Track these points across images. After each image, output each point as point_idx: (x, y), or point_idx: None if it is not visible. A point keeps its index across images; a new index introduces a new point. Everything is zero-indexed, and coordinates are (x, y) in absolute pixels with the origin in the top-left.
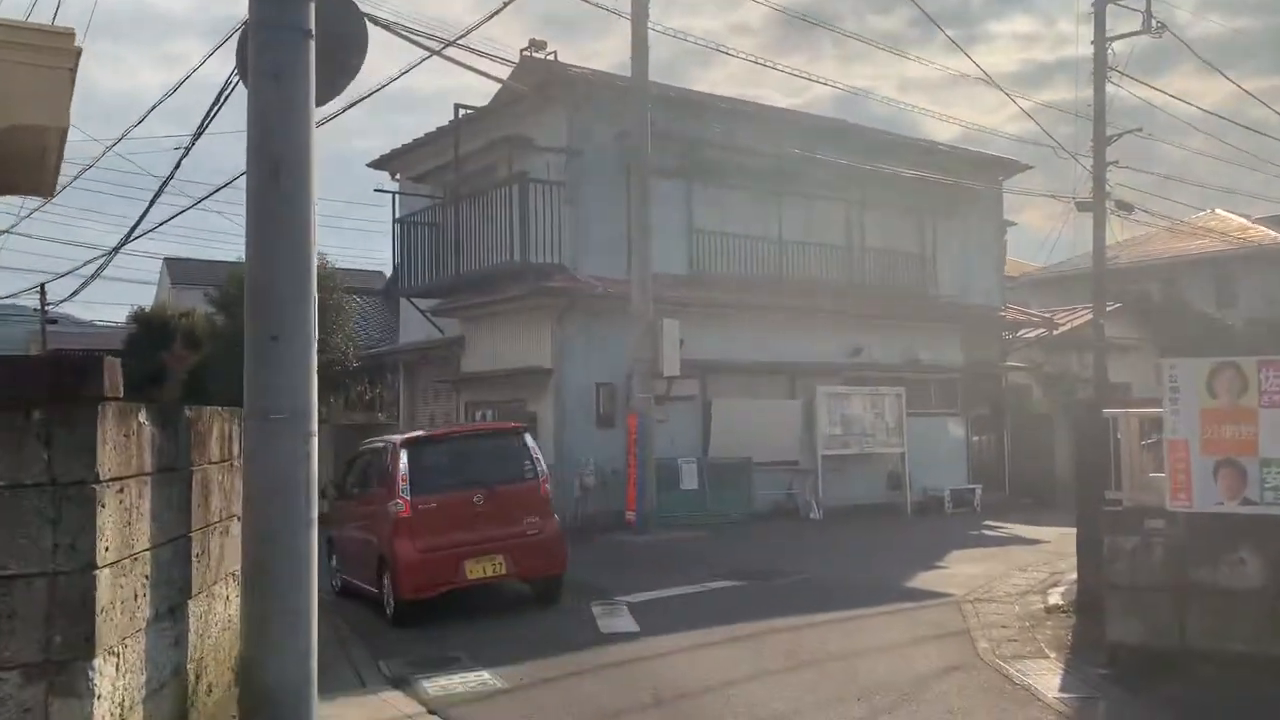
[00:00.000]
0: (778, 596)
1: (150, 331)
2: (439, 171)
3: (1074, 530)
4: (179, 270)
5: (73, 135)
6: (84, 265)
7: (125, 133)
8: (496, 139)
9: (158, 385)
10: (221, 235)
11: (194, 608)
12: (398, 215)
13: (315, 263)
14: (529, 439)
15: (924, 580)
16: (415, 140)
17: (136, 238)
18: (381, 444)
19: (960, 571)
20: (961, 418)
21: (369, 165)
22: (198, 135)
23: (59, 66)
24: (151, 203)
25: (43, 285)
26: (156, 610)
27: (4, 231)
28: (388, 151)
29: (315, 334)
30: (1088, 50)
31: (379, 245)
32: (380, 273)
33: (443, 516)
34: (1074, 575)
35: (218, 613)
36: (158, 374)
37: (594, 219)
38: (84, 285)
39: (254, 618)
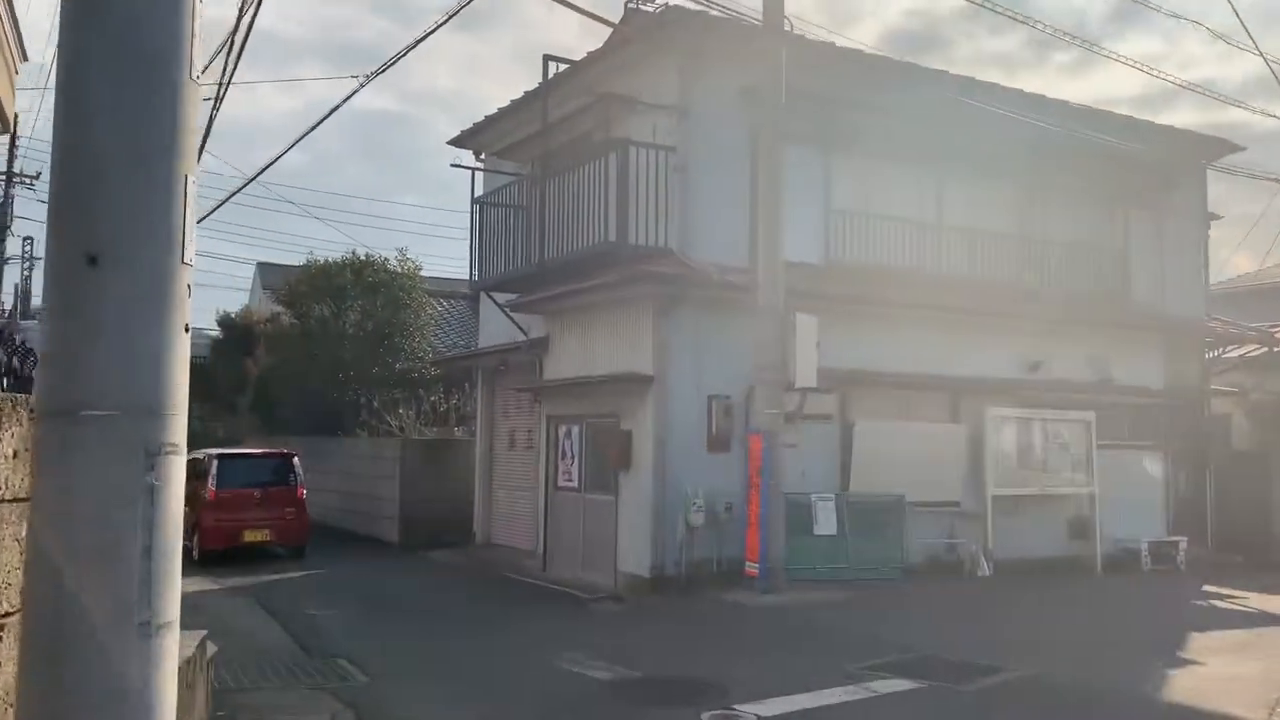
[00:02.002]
0: (988, 715)
1: (235, 336)
2: (524, 145)
3: None
4: (271, 276)
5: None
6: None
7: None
8: (591, 99)
9: (242, 391)
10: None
11: None
12: (477, 195)
13: (192, 114)
14: (296, 460)
15: (1182, 686)
16: (500, 110)
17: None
18: (204, 455)
19: (1223, 670)
20: (1159, 452)
21: (449, 143)
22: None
23: None
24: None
25: None
26: None
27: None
28: (469, 126)
29: (187, 271)
30: None
31: None
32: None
33: (234, 502)
34: None
35: None
36: (242, 380)
37: (708, 192)
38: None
39: None
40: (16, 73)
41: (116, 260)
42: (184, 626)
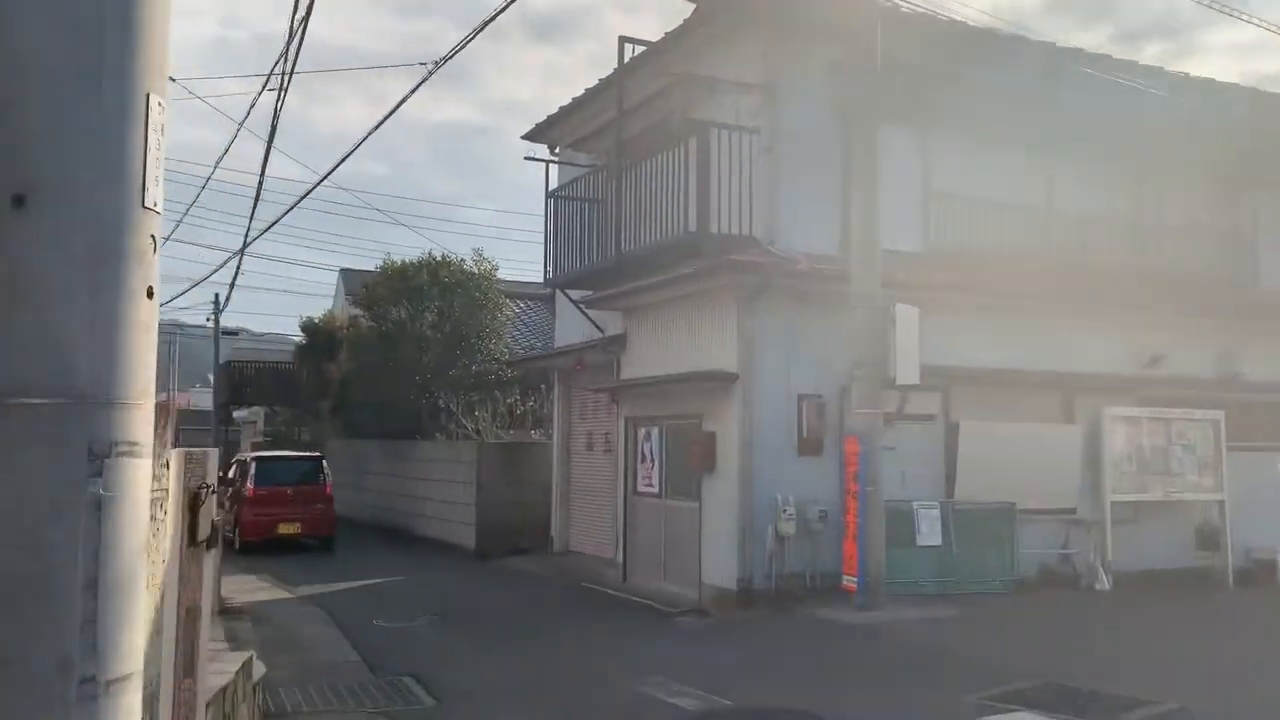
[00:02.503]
0: None
1: (318, 341)
2: (599, 135)
3: None
4: (353, 281)
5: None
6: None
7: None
8: (669, 82)
9: (325, 395)
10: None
11: None
12: (551, 189)
13: (159, 17)
14: (324, 462)
15: None
16: (574, 100)
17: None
18: (244, 457)
19: None
20: None
21: (524, 137)
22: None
23: None
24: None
25: (217, 296)
26: None
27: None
28: (543, 119)
29: (150, 219)
30: None
31: None
32: None
33: (269, 499)
34: None
35: None
36: (325, 384)
37: (796, 176)
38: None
39: None
40: None
41: (51, 201)
42: (249, 639)
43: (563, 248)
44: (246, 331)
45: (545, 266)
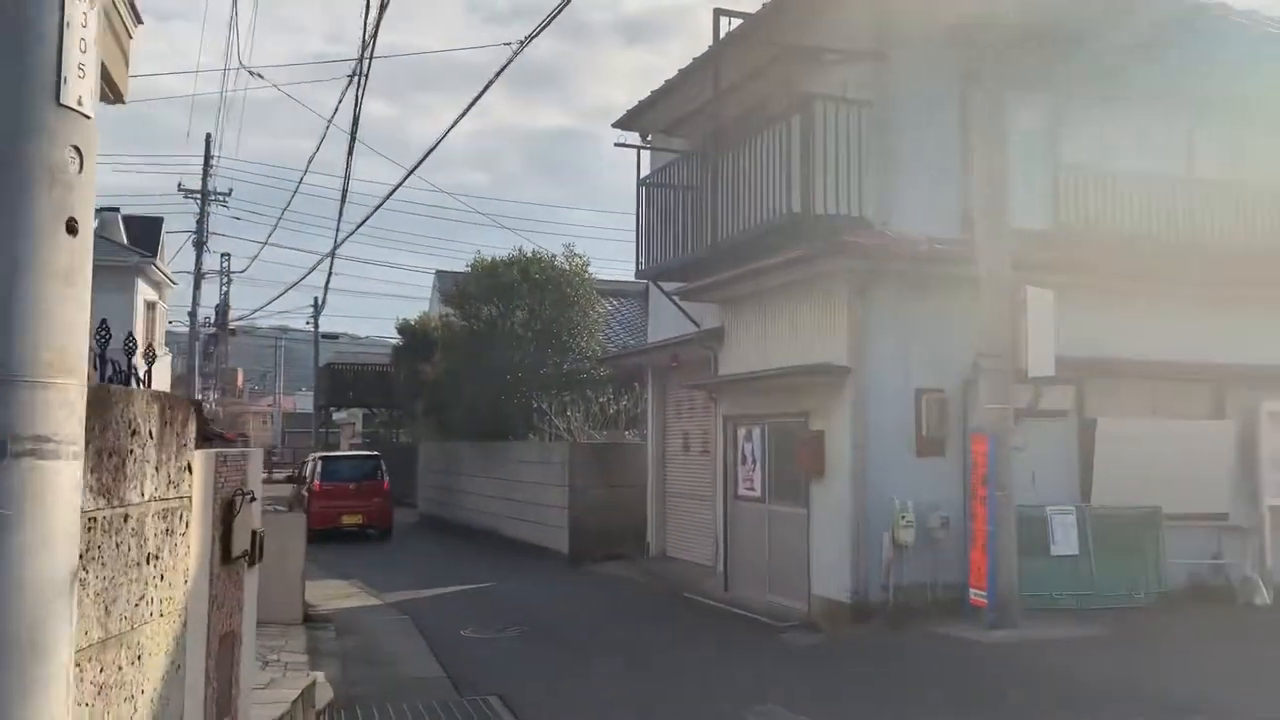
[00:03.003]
0: None
1: (413, 343)
2: (694, 118)
3: None
4: (448, 282)
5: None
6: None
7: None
8: (770, 56)
9: (420, 396)
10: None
11: None
12: (643, 177)
13: None
14: (381, 461)
15: None
16: (667, 83)
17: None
18: (311, 457)
19: None
20: None
21: (615, 125)
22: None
23: None
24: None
25: (316, 299)
26: None
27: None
28: (634, 105)
29: (70, 123)
30: None
31: None
32: None
33: (334, 493)
34: None
35: None
36: (420, 385)
37: (911, 151)
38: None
39: None
40: (130, 37)
41: None
42: (331, 651)
43: (655, 238)
44: (348, 335)
45: (637, 258)
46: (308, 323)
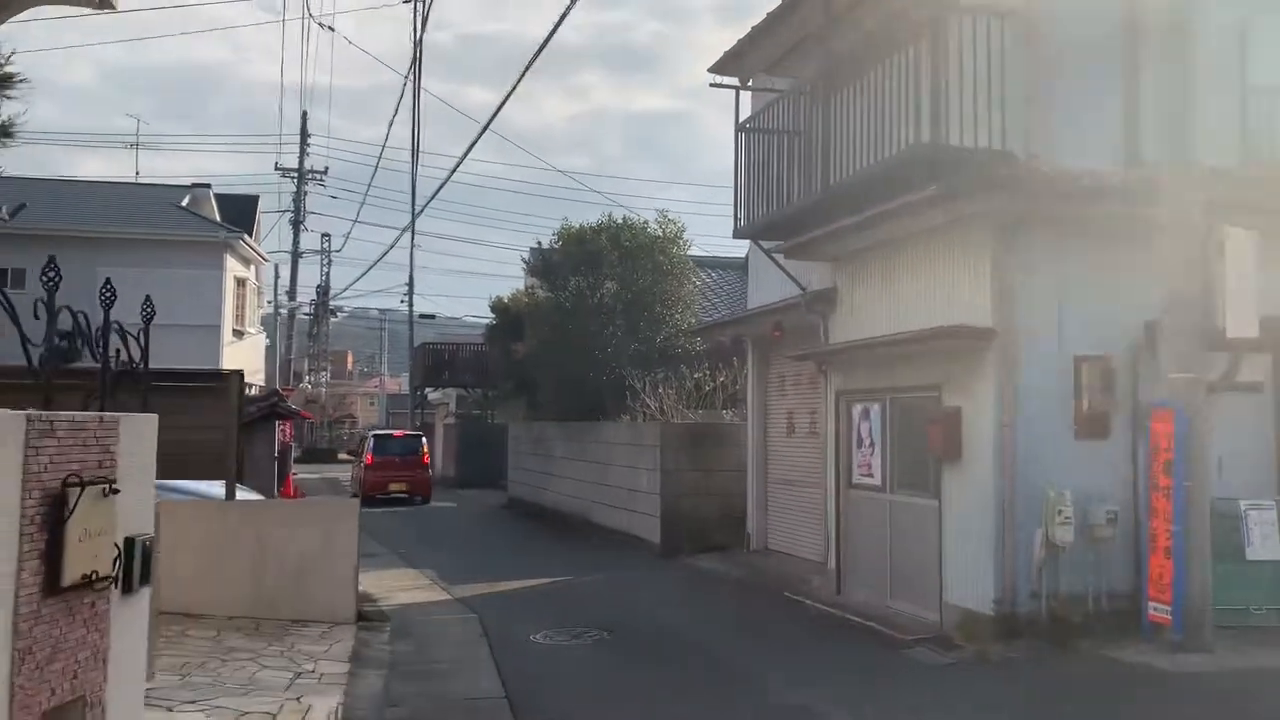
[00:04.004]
0: None
1: (506, 321)
2: (799, 56)
3: None
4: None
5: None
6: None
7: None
8: None
9: (511, 375)
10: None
11: None
12: (742, 121)
13: None
14: (423, 439)
15: None
16: (769, 16)
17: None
18: (364, 435)
19: None
20: None
21: (710, 69)
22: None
23: None
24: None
25: (411, 279)
26: None
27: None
28: (732, 46)
29: None
30: None
31: None
32: None
33: (383, 465)
34: None
35: None
36: (511, 364)
37: (1066, 72)
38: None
39: None
40: None
41: None
42: (379, 658)
43: (755, 190)
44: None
45: (735, 215)
46: (401, 301)
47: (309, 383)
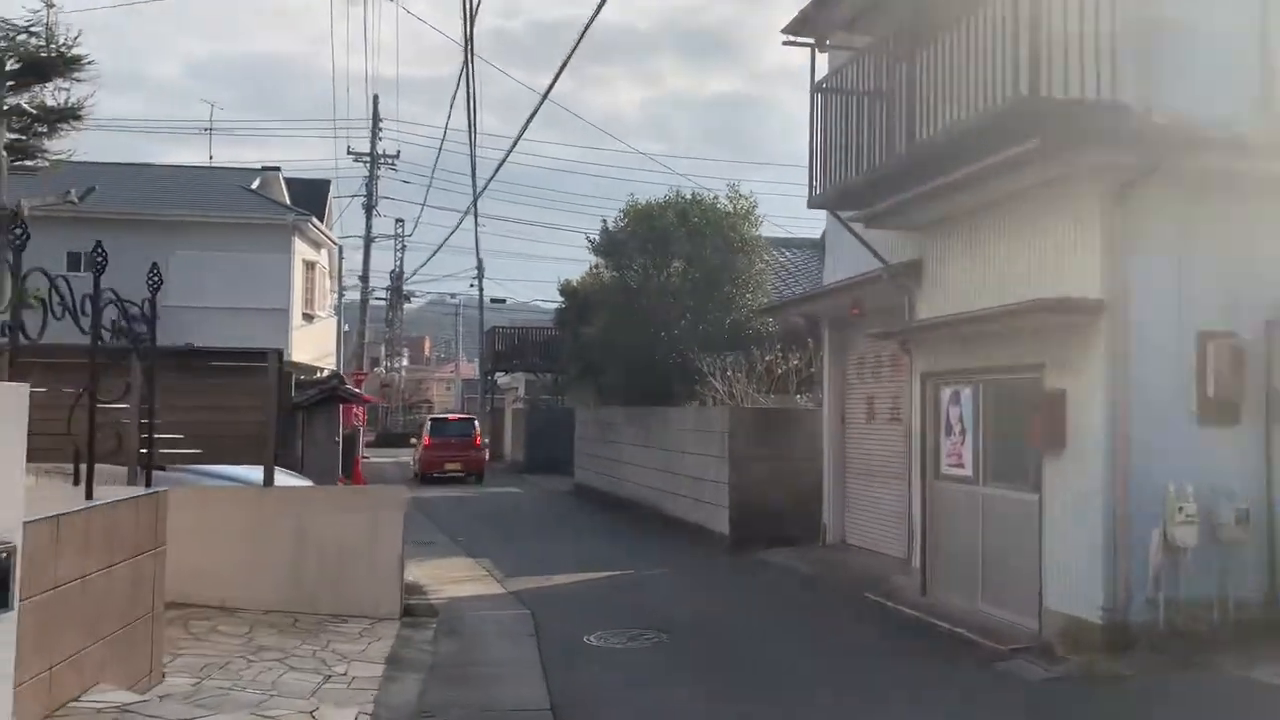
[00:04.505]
0: None
1: (575, 304)
2: (880, 9)
3: None
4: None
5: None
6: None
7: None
8: None
9: (578, 359)
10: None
11: None
12: (818, 81)
13: None
14: (475, 422)
15: None
16: None
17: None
18: (423, 418)
19: None
20: None
21: (784, 31)
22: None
23: None
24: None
25: (480, 263)
26: None
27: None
28: (808, 3)
29: None
30: None
31: None
32: None
33: (439, 446)
34: None
35: None
36: (580, 347)
37: (1187, 7)
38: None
39: None
40: None
41: None
42: (420, 660)
43: (833, 156)
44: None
45: (810, 183)
46: (471, 285)
47: (384, 368)
